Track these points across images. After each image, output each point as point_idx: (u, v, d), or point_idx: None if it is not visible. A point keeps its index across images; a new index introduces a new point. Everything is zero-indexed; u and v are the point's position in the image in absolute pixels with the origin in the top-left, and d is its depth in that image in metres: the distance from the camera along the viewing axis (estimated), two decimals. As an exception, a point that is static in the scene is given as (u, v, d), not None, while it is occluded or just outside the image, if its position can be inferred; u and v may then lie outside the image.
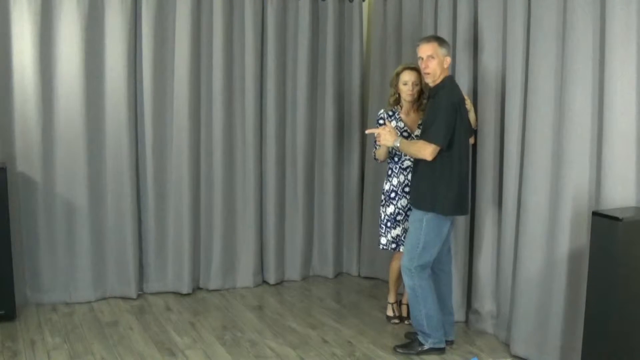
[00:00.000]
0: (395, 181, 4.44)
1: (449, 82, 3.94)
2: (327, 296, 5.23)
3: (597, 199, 3.58)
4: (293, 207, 5.51)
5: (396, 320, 4.66)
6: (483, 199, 4.36)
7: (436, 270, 4.12)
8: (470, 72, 4.46)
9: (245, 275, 5.34)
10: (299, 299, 5.14)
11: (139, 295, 5.03)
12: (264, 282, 5.46)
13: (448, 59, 3.91)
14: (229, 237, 5.27)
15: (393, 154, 4.43)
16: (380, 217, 4.53)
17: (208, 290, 5.23)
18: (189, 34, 4.92)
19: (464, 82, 4.39)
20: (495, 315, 4.38)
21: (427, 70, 3.91)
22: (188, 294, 5.10)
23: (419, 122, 4.36)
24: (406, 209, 4.39)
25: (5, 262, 4.35)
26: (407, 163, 4.37)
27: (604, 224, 3.20)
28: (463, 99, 3.97)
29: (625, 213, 3.21)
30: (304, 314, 4.79)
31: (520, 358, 4.01)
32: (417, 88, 4.35)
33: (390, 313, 4.72)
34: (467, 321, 4.59)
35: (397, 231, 4.46)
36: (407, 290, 4.09)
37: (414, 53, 4.04)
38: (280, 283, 5.48)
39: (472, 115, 4.20)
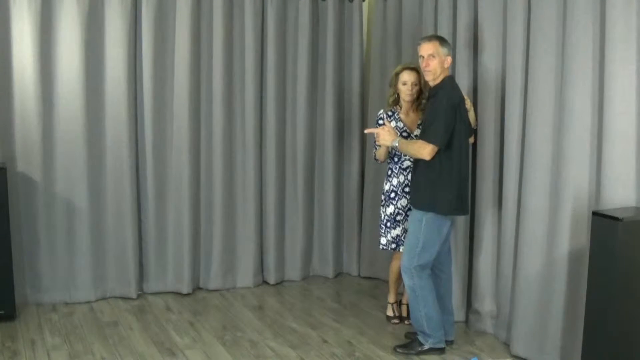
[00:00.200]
0: (395, 181, 4.44)
1: (449, 82, 3.93)
2: (327, 296, 5.23)
3: (597, 199, 3.58)
4: (293, 207, 5.51)
5: (396, 320, 4.67)
6: (483, 199, 4.36)
7: (436, 270, 4.12)
8: (470, 72, 4.46)
9: (245, 275, 5.34)
10: (299, 299, 5.14)
11: (139, 295, 5.03)
12: (264, 282, 5.46)
13: (449, 59, 3.91)
14: (229, 237, 5.27)
15: (393, 154, 4.43)
16: (380, 217, 4.53)
17: (208, 290, 5.23)
18: (189, 34, 4.92)
19: (464, 82, 4.38)
20: (495, 315, 4.38)
21: (428, 69, 3.90)
22: (188, 294, 5.10)
23: (419, 122, 4.36)
24: (406, 209, 4.39)
25: (5, 262, 4.35)
26: (407, 163, 4.37)
27: (604, 224, 3.20)
28: (463, 99, 3.97)
29: (625, 213, 3.21)
30: (304, 314, 4.79)
31: (520, 358, 4.01)
32: (416, 88, 4.35)
33: (390, 313, 4.72)
34: (467, 321, 4.58)
35: (397, 231, 4.46)
36: (407, 291, 4.09)
37: (414, 53, 4.04)
38: (280, 283, 5.48)
39: (471, 115, 4.20)
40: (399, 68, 4.44)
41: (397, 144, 4.00)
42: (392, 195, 4.45)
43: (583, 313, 3.38)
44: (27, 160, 4.67)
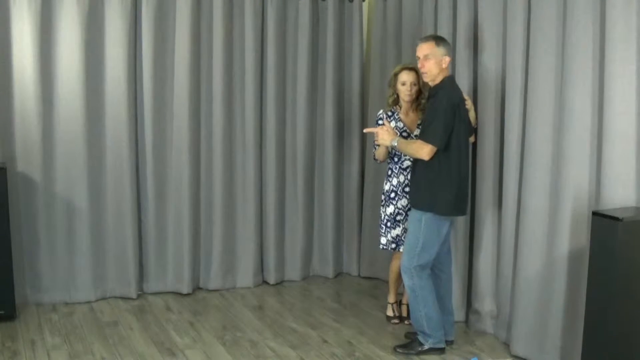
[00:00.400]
0: (395, 181, 4.44)
1: (448, 83, 3.93)
2: (327, 296, 5.23)
3: (597, 199, 3.58)
4: (293, 207, 5.51)
5: (396, 320, 4.67)
6: (483, 199, 4.36)
7: (436, 270, 4.12)
8: (470, 72, 4.46)
9: (245, 275, 5.34)
10: (299, 299, 5.14)
11: (139, 295, 5.03)
12: (264, 282, 5.46)
13: (447, 59, 3.90)
14: (229, 237, 5.27)
15: (393, 154, 4.43)
16: (380, 217, 4.53)
17: (208, 290, 5.23)
18: (189, 34, 4.92)
19: (464, 82, 4.38)
20: (495, 315, 4.38)
21: (424, 70, 3.92)
22: (188, 294, 5.10)
23: (418, 122, 4.36)
24: (406, 209, 4.39)
25: (5, 262, 4.35)
26: (407, 163, 4.37)
27: (604, 224, 3.20)
28: (463, 99, 3.97)
29: (625, 213, 3.21)
30: (304, 314, 4.79)
31: (520, 358, 4.01)
32: (415, 88, 4.35)
33: (390, 313, 4.72)
34: (467, 321, 4.58)
35: (397, 231, 4.46)
36: (407, 291, 4.09)
37: (414, 53, 4.04)
38: (280, 283, 5.48)
39: (472, 115, 4.19)
40: (397, 68, 4.45)
41: (396, 144, 3.99)
42: (392, 195, 4.45)
43: (583, 313, 3.38)
44: (27, 160, 4.67)
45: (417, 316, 4.03)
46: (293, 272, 5.55)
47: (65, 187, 4.76)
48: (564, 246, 3.72)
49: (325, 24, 5.46)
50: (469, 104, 4.11)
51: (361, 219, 5.68)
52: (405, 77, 4.35)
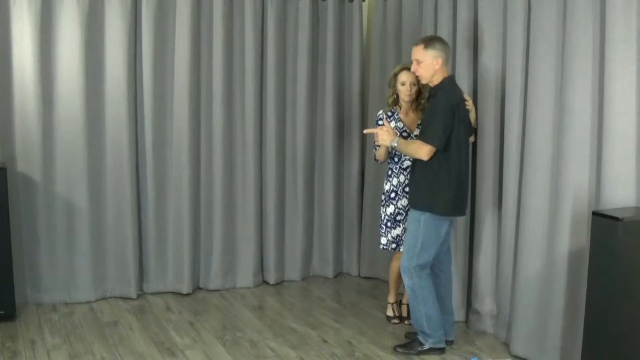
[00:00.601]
0: (395, 181, 4.44)
1: (448, 83, 3.93)
2: (327, 296, 5.23)
3: (597, 199, 3.58)
4: (293, 207, 5.51)
5: (396, 320, 4.67)
6: (483, 199, 4.36)
7: (436, 270, 4.12)
8: (470, 72, 4.46)
9: (245, 275, 5.34)
10: (299, 299, 5.14)
11: (139, 295, 5.03)
12: (264, 282, 5.46)
13: (439, 60, 3.87)
14: (229, 237, 5.27)
15: (393, 154, 4.43)
16: (381, 217, 4.53)
17: (208, 290, 5.23)
18: (189, 34, 4.92)
19: (464, 82, 4.38)
20: (495, 315, 4.38)
21: (417, 74, 3.97)
22: (188, 294, 5.10)
23: (418, 122, 4.36)
24: (406, 208, 4.39)
25: (5, 262, 4.35)
26: (407, 163, 4.37)
27: (604, 224, 3.20)
28: (462, 100, 3.96)
29: (625, 213, 3.21)
30: (304, 314, 4.79)
31: (520, 358, 4.01)
32: (415, 88, 4.35)
33: (390, 313, 4.72)
34: (467, 321, 4.59)
35: (397, 231, 4.46)
36: (407, 290, 4.09)
37: (413, 54, 4.04)
38: (280, 283, 5.48)
39: (472, 115, 4.19)
40: (397, 69, 4.45)
41: (395, 144, 4.00)
42: (393, 195, 4.45)
43: (583, 313, 3.38)
44: (27, 160, 4.67)
45: (417, 316, 4.03)
46: (293, 272, 5.55)
47: (65, 187, 4.76)
48: (564, 246, 3.72)
49: (325, 24, 5.46)
50: (469, 104, 4.11)
51: (361, 219, 5.68)
52: (405, 77, 4.34)
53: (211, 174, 5.19)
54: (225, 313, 4.78)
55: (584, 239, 3.60)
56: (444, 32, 4.54)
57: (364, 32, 5.69)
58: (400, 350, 4.13)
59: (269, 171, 5.34)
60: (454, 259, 4.39)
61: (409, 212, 4.21)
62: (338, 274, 5.75)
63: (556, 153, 3.79)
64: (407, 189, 4.37)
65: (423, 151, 3.82)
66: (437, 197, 3.89)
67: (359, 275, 5.71)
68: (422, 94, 4.35)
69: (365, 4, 5.68)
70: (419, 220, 3.94)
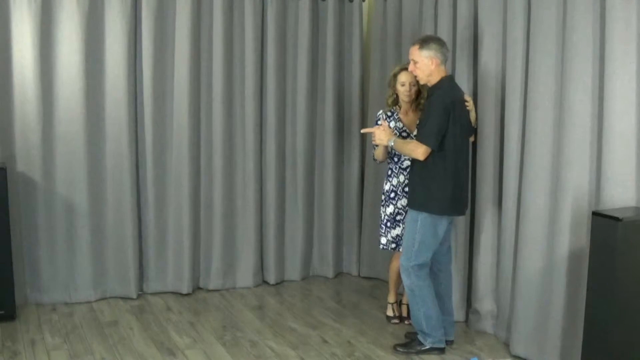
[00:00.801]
0: (395, 181, 4.45)
1: (447, 82, 3.93)
2: (327, 296, 5.23)
3: (597, 199, 3.58)
4: (293, 207, 5.51)
5: (396, 320, 4.67)
6: (483, 198, 4.36)
7: (435, 270, 4.12)
8: (470, 72, 4.46)
9: (245, 275, 5.34)
10: (299, 299, 5.14)
11: (139, 295, 5.03)
12: (264, 282, 5.46)
13: (435, 60, 3.87)
14: (229, 237, 5.27)
15: (393, 154, 4.43)
16: (380, 217, 4.53)
17: (208, 290, 5.23)
18: (189, 34, 4.92)
19: (463, 82, 4.39)
20: (495, 315, 4.38)
21: (414, 74, 3.99)
22: (188, 294, 5.10)
23: (418, 121, 4.36)
24: (406, 208, 4.38)
25: (5, 262, 4.35)
26: (406, 163, 4.37)
27: (604, 224, 3.20)
28: (459, 99, 3.96)
29: (625, 213, 3.21)
30: (304, 314, 4.79)
31: (520, 358, 4.01)
32: (414, 88, 4.35)
33: (390, 313, 4.72)
34: (467, 321, 4.59)
35: (397, 231, 4.46)
36: (406, 290, 4.09)
37: (414, 53, 4.04)
38: (280, 283, 5.48)
39: (472, 115, 4.19)
40: (396, 69, 4.44)
41: (392, 144, 4.01)
42: (392, 195, 4.45)
43: (583, 313, 3.38)
44: (27, 160, 4.67)
45: (417, 315, 4.03)
46: (293, 272, 5.55)
47: (65, 187, 4.76)
48: (564, 246, 3.72)
49: (325, 23, 5.46)
50: (470, 104, 4.11)
51: (361, 219, 5.68)
52: (404, 77, 4.34)
53: (211, 173, 5.19)
54: (225, 313, 4.78)
55: (584, 239, 3.60)
56: (444, 32, 4.54)
57: (364, 32, 5.69)
58: (400, 350, 4.13)
59: (268, 171, 5.34)
60: (454, 259, 4.39)
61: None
62: (338, 274, 5.75)
63: (556, 153, 3.79)
64: (406, 189, 4.37)
65: (419, 151, 3.83)
66: (434, 196, 3.89)
67: (359, 275, 5.71)
68: (422, 94, 4.35)
69: (365, 4, 5.67)
70: (416, 220, 3.95)
